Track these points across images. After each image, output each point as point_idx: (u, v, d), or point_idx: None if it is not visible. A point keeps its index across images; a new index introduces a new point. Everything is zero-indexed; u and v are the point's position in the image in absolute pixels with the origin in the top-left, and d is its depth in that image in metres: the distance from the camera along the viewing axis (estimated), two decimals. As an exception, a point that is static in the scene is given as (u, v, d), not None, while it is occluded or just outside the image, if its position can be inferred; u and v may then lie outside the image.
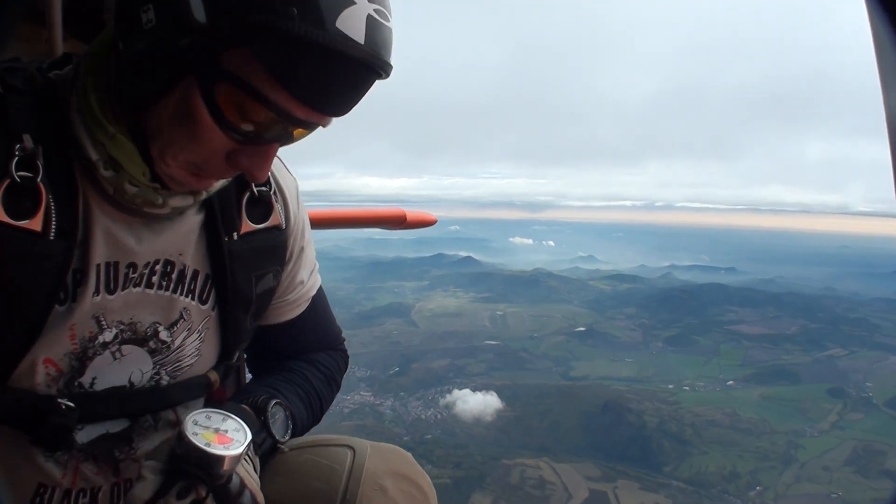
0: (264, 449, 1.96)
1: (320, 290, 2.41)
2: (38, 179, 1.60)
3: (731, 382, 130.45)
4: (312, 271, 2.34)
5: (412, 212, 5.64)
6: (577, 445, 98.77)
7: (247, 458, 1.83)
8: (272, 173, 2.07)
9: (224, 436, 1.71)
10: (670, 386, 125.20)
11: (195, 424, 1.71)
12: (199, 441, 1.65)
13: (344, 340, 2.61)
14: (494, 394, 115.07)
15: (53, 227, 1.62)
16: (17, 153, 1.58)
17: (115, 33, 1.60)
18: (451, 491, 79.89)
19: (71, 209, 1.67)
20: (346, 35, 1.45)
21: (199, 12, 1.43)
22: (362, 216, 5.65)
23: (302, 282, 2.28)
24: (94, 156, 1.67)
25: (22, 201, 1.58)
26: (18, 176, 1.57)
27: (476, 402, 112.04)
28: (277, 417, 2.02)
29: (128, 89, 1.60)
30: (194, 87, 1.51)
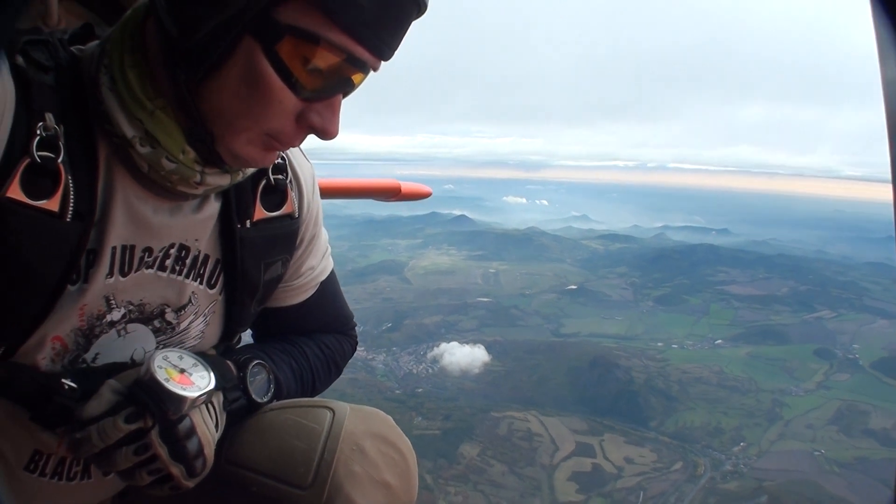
0: (238, 406, 1.95)
1: (331, 274, 2.43)
2: (59, 160, 1.56)
3: (719, 341, 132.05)
4: (323, 257, 2.36)
5: (407, 184, 5.58)
6: (565, 399, 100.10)
7: (210, 409, 1.82)
8: (289, 161, 2.08)
9: (187, 378, 1.72)
10: (659, 344, 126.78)
11: (164, 359, 1.72)
12: (159, 374, 1.66)
13: (354, 326, 2.61)
14: (482, 346, 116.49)
15: (71, 208, 1.58)
16: (38, 133, 1.52)
17: (155, 8, 1.55)
18: (440, 442, 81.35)
19: (90, 191, 1.63)
20: None
21: None
22: (356, 187, 5.65)
23: (311, 268, 2.29)
24: (130, 133, 1.61)
25: (41, 181, 1.54)
26: (39, 156, 1.52)
27: (463, 355, 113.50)
28: (258, 378, 2.03)
29: (180, 65, 1.55)
30: (256, 50, 1.48)
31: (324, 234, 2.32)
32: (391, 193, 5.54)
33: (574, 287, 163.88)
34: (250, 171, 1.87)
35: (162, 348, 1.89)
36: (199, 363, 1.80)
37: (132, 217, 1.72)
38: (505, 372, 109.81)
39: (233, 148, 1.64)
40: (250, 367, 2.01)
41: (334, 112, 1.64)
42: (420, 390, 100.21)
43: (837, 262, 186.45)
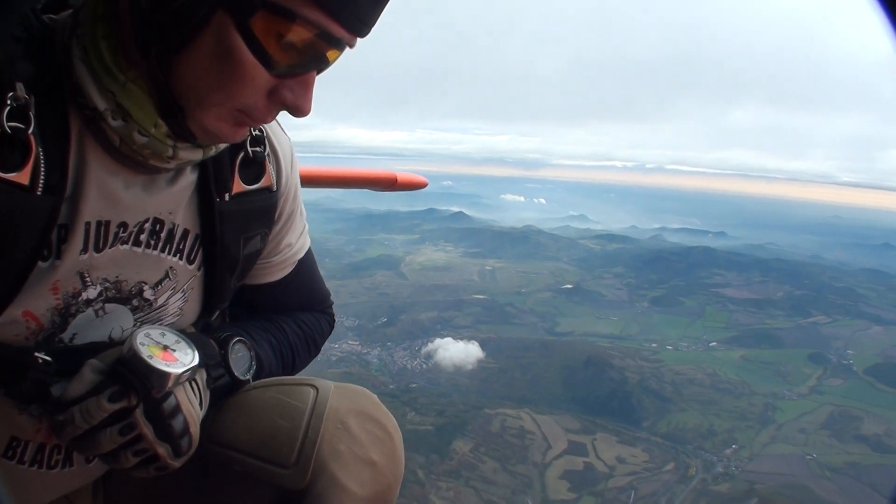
0: (221, 384, 1.93)
1: (309, 252, 2.41)
2: (30, 132, 1.50)
3: (713, 344, 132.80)
4: (301, 234, 2.34)
5: (402, 174, 5.44)
6: (558, 398, 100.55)
7: (194, 387, 1.79)
8: (266, 134, 2.06)
9: (170, 354, 1.69)
10: (653, 344, 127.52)
11: (146, 336, 1.69)
12: (142, 351, 1.63)
13: (331, 304, 2.61)
14: (476, 343, 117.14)
15: (41, 181, 1.54)
16: (8, 103, 1.48)
17: None
18: (433, 437, 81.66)
19: (62, 164, 1.59)
20: None
21: None
22: (351, 176, 5.48)
23: (290, 244, 2.27)
24: (101, 105, 1.57)
25: (10, 153, 1.49)
26: (9, 126, 1.47)
27: (457, 351, 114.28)
28: (239, 355, 2.00)
29: (151, 37, 1.51)
30: (229, 24, 1.45)
31: (302, 211, 2.29)
32: (387, 184, 5.47)
33: (570, 286, 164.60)
34: (222, 146, 1.83)
35: (142, 325, 1.85)
36: (181, 340, 1.77)
37: (105, 192, 1.68)
38: (499, 369, 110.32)
39: (203, 123, 1.60)
40: (231, 343, 1.97)
41: (307, 89, 1.61)
42: (414, 385, 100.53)
43: (834, 268, 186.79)
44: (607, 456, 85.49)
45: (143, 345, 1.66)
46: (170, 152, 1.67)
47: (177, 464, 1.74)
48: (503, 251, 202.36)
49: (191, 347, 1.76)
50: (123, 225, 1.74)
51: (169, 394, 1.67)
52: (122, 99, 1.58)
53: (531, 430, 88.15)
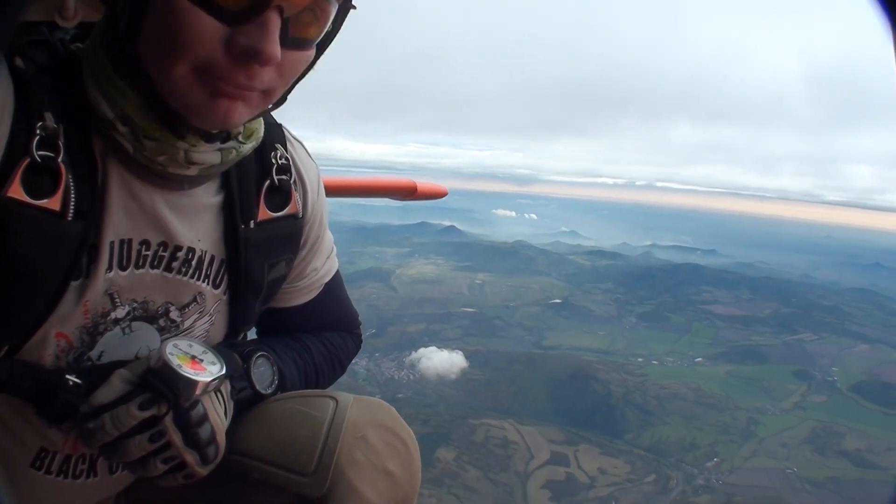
0: (244, 396, 1.98)
1: (336, 274, 2.43)
2: (59, 159, 1.57)
3: (699, 359, 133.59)
4: (328, 257, 2.37)
5: (423, 183, 5.45)
6: (542, 410, 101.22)
7: (219, 397, 1.84)
8: (293, 161, 2.09)
9: (198, 364, 1.74)
10: (639, 359, 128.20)
11: (175, 347, 1.74)
12: (172, 360, 1.67)
13: (359, 325, 2.65)
14: (460, 353, 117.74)
15: (72, 207, 1.59)
16: (38, 132, 1.54)
17: None
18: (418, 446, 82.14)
19: (90, 189, 1.64)
20: None
21: None
22: (371, 185, 5.60)
23: (315, 269, 2.30)
24: (109, 114, 1.62)
25: (42, 180, 1.55)
26: (39, 155, 1.53)
27: (441, 360, 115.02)
28: (262, 370, 2.05)
29: (119, 31, 1.57)
30: None
31: (328, 236, 2.35)
32: (407, 192, 5.50)
33: (558, 301, 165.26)
34: (244, 148, 1.83)
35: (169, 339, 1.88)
36: (208, 350, 1.81)
37: (128, 210, 1.72)
38: (485, 381, 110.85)
39: (173, 93, 1.57)
40: (254, 358, 2.03)
41: (266, 30, 1.50)
42: (400, 396, 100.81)
43: (822, 287, 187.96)
44: (589, 467, 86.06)
45: (172, 354, 1.69)
46: (181, 154, 1.67)
47: (204, 472, 1.77)
48: (493, 265, 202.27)
49: (217, 358, 1.80)
50: (146, 243, 1.77)
51: (197, 402, 1.71)
52: (120, 101, 1.61)
53: (514, 441, 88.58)
